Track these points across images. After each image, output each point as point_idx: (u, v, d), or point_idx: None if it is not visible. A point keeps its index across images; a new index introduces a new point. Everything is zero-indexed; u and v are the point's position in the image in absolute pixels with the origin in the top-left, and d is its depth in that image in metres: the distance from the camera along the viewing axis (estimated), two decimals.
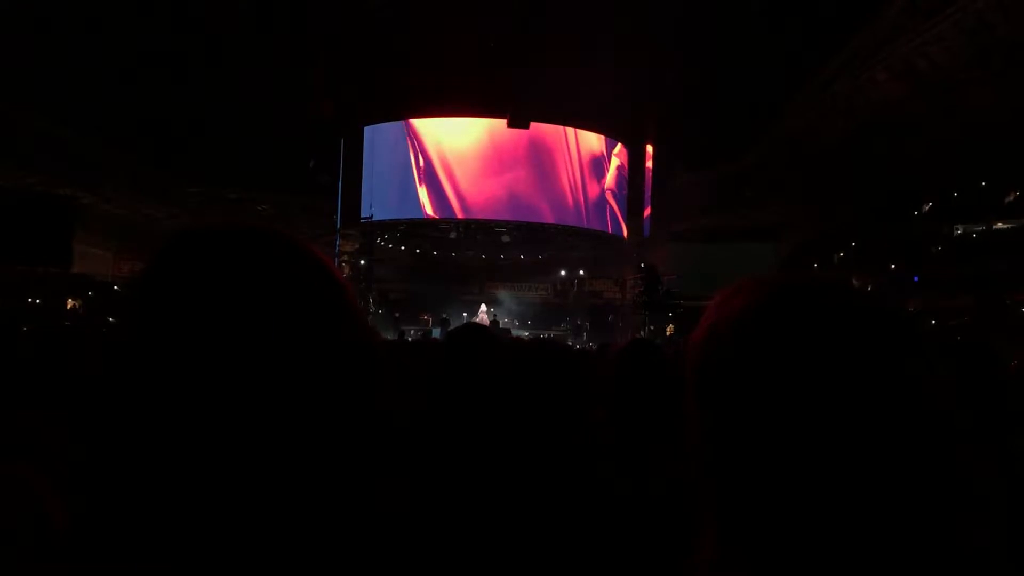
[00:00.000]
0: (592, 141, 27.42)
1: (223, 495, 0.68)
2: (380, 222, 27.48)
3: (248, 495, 0.68)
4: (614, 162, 28.28)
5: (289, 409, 0.71)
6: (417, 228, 28.77)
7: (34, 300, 19.42)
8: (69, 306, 23.78)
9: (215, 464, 0.68)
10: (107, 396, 0.72)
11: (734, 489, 0.78)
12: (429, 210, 26.34)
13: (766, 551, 0.74)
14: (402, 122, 26.64)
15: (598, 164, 27.70)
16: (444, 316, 25.91)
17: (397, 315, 27.75)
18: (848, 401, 0.72)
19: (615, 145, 28.19)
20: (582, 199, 27.02)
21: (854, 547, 0.70)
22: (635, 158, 28.51)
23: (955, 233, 29.60)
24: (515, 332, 24.74)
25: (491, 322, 23.57)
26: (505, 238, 28.45)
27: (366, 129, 27.18)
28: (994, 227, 28.42)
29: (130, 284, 0.77)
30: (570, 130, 26.71)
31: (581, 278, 32.54)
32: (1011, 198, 27.92)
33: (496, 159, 26.12)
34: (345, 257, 27.57)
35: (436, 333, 22.51)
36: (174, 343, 0.70)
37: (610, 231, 28.30)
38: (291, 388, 0.71)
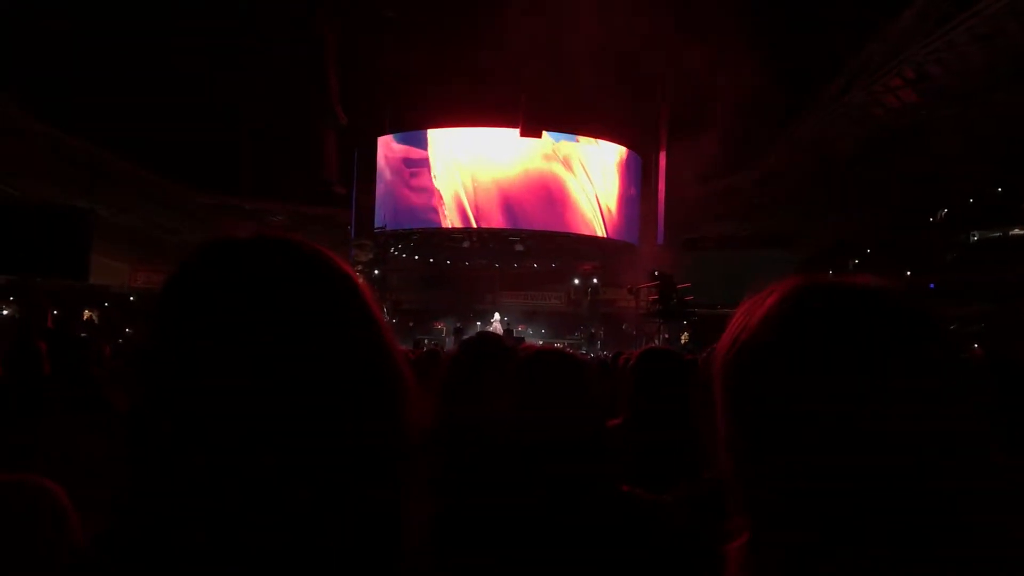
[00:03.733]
0: (605, 150, 27.42)
1: (248, 505, 0.68)
2: (394, 232, 27.53)
3: (275, 507, 0.68)
4: (628, 171, 28.26)
5: (318, 420, 0.71)
6: (430, 238, 28.81)
7: (52, 312, 19.50)
8: (86, 317, 23.95)
9: (240, 474, 0.68)
10: (131, 404, 0.72)
11: (765, 490, 0.78)
12: (442, 220, 26.40)
13: (798, 548, 0.74)
14: (415, 133, 26.73)
15: (612, 173, 27.68)
16: (458, 325, 25.90)
17: (411, 324, 27.76)
18: (878, 401, 0.73)
19: (629, 154, 28.18)
20: (596, 208, 27.01)
21: (884, 544, 0.71)
22: (649, 167, 28.48)
23: (971, 240, 29.36)
24: (529, 341, 24.65)
25: (505, 331, 23.53)
26: (519, 247, 28.44)
27: (380, 140, 27.27)
28: (1011, 233, 28.17)
29: (155, 293, 0.77)
30: (584, 139, 26.73)
31: (595, 287, 32.48)
32: None
33: (510, 168, 26.15)
34: (359, 267, 27.60)
35: (450, 342, 22.48)
36: (199, 351, 0.70)
37: (624, 239, 28.26)
38: (320, 397, 0.71)
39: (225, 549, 0.67)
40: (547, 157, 26.29)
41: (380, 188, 27.46)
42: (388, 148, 27.21)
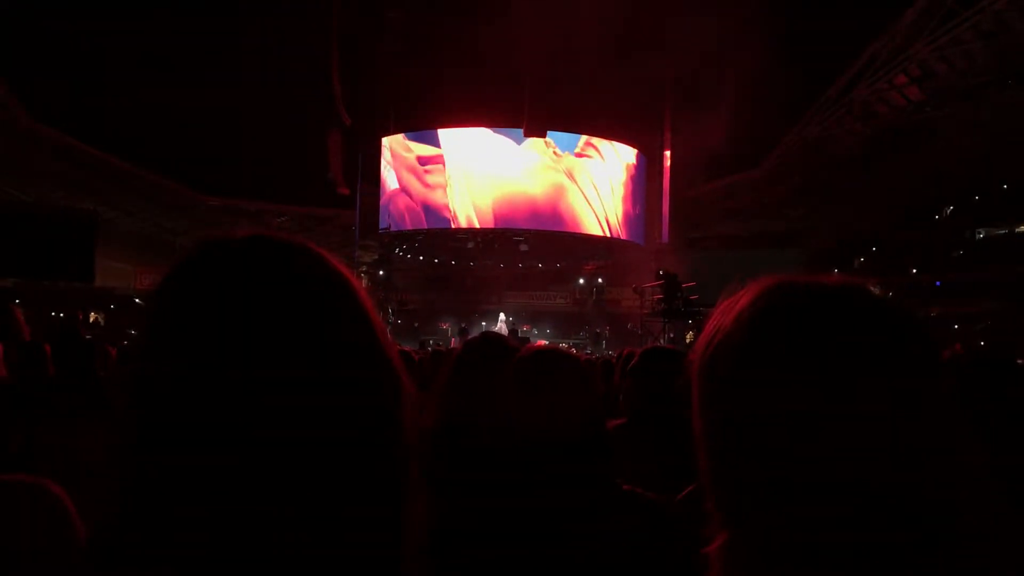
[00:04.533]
0: (610, 149, 27.39)
1: (244, 506, 0.68)
2: (398, 232, 27.51)
3: (272, 509, 0.68)
4: (632, 170, 28.23)
5: (313, 421, 0.70)
6: (435, 238, 28.81)
7: (57, 314, 19.59)
8: (92, 319, 24.01)
9: (235, 475, 0.68)
10: (127, 404, 0.72)
11: (741, 490, 0.79)
12: (447, 220, 26.39)
13: (775, 547, 0.75)
14: (420, 133, 26.71)
15: (617, 172, 27.66)
16: (463, 325, 25.95)
17: (416, 325, 27.79)
18: (852, 400, 0.73)
19: (633, 153, 28.15)
20: (600, 207, 26.99)
21: (860, 544, 0.71)
22: (653, 165, 28.46)
23: (977, 237, 29.30)
24: (534, 341, 24.59)
25: (510, 331, 23.55)
26: (523, 247, 28.44)
27: (391, 139, 27.25)
28: (1017, 230, 28.12)
29: (150, 293, 0.77)
30: (589, 138, 26.70)
31: (599, 286, 32.48)
32: None
33: (514, 168, 26.14)
34: (364, 268, 27.65)
35: (455, 343, 22.47)
36: (192, 352, 0.70)
37: (629, 239, 28.24)
38: (314, 399, 0.71)
39: (222, 550, 0.67)
40: (553, 171, 26.26)
41: (391, 188, 27.26)
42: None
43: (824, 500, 0.72)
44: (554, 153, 26.12)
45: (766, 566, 0.76)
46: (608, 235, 27.37)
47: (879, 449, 0.72)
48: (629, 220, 28.10)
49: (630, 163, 28.13)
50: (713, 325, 0.86)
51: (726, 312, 0.84)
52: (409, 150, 26.75)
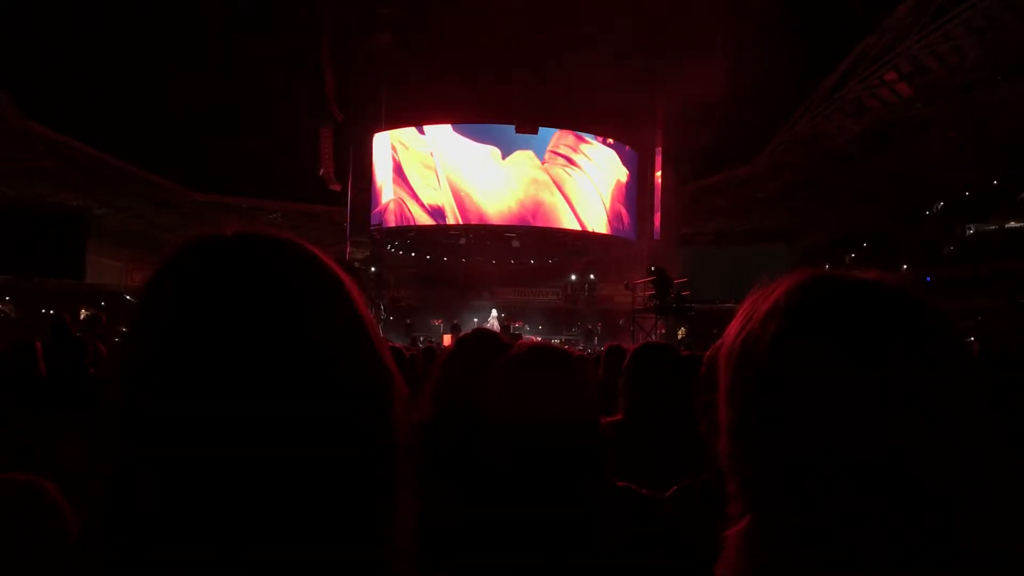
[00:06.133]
0: (599, 147, 27.36)
1: (230, 504, 0.67)
2: (390, 229, 27.39)
3: (258, 509, 0.68)
4: (623, 167, 28.21)
5: (302, 421, 0.70)
6: (427, 235, 28.70)
7: (47, 311, 19.52)
8: (82, 316, 23.91)
9: (222, 476, 0.67)
10: (114, 403, 0.72)
11: (769, 475, 0.81)
12: (439, 217, 26.29)
13: (801, 532, 0.76)
14: (412, 128, 26.57)
15: (608, 168, 27.63)
16: (455, 322, 25.90)
17: (408, 321, 27.74)
18: (883, 391, 0.75)
19: (625, 149, 28.13)
20: (593, 204, 26.97)
21: (886, 529, 0.73)
22: (645, 162, 28.45)
23: (968, 233, 29.40)
24: (526, 337, 24.57)
25: (501, 327, 23.54)
26: (515, 243, 28.39)
27: (376, 136, 27.13)
28: (1007, 226, 28.22)
29: (137, 291, 0.77)
30: (576, 136, 26.65)
31: (591, 282, 32.47)
32: None
33: (506, 165, 26.08)
34: (355, 264, 27.52)
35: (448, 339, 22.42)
36: (179, 351, 0.69)
37: (621, 235, 28.22)
38: (304, 398, 0.71)
39: (208, 548, 0.67)
40: (539, 171, 26.20)
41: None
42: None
43: (849, 487, 0.74)
44: (540, 160, 26.06)
45: (789, 548, 0.77)
46: (598, 232, 27.33)
47: (906, 441, 0.74)
48: (620, 217, 28.06)
49: (621, 160, 28.06)
50: (745, 314, 0.88)
51: (759, 302, 0.87)
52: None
